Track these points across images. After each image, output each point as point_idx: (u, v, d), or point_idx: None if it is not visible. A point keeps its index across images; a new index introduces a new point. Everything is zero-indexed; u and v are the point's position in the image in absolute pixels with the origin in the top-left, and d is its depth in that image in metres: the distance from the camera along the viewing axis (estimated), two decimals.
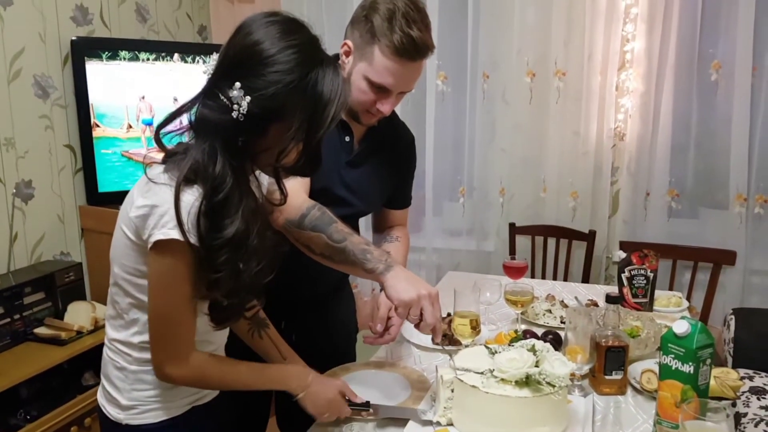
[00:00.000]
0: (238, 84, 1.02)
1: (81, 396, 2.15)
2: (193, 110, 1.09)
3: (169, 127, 1.11)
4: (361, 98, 1.49)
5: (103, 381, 1.23)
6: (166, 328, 1.10)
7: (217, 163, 1.05)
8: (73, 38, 2.47)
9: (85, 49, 2.48)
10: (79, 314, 2.29)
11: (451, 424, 1.29)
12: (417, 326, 1.34)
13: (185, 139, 1.12)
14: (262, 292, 1.20)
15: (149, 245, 1.05)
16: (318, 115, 1.07)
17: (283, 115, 1.05)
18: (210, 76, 1.08)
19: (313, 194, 1.53)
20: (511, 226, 3.05)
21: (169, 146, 1.12)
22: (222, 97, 1.04)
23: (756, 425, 1.97)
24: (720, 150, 2.85)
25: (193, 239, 1.03)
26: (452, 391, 1.29)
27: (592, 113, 2.92)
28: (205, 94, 1.08)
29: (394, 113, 1.72)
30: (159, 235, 1.03)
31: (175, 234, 1.02)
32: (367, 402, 1.35)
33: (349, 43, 1.49)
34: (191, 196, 1.04)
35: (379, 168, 1.67)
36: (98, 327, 2.28)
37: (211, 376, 1.18)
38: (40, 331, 2.21)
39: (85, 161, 2.53)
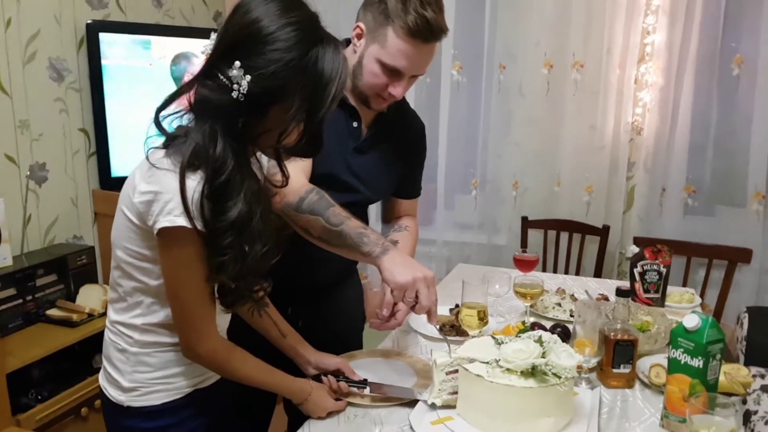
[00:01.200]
0: (237, 63, 1.01)
1: (91, 378, 2.16)
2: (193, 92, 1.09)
3: (170, 109, 1.10)
4: (372, 81, 1.48)
5: (105, 363, 1.23)
6: (187, 310, 1.11)
7: (217, 145, 1.04)
8: (89, 21, 2.48)
9: (100, 33, 2.49)
10: (90, 297, 2.31)
11: (449, 406, 1.31)
12: (413, 308, 1.35)
13: (185, 122, 1.11)
14: (269, 275, 1.20)
15: (155, 231, 1.05)
16: (319, 95, 1.06)
17: (283, 94, 1.04)
18: (208, 56, 1.07)
19: (319, 180, 1.52)
20: (524, 219, 3.03)
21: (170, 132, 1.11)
22: (221, 77, 1.03)
23: (766, 423, 1.94)
24: (739, 147, 2.81)
25: (199, 225, 1.03)
26: (446, 374, 1.32)
27: (610, 107, 2.89)
28: (204, 75, 1.06)
29: (404, 101, 1.71)
30: (165, 222, 1.03)
31: (181, 221, 1.02)
32: (365, 380, 1.37)
33: (362, 25, 1.48)
34: (194, 182, 1.03)
35: (387, 155, 1.65)
36: None
37: (234, 360, 1.20)
38: (52, 312, 2.23)
39: (98, 145, 2.55)
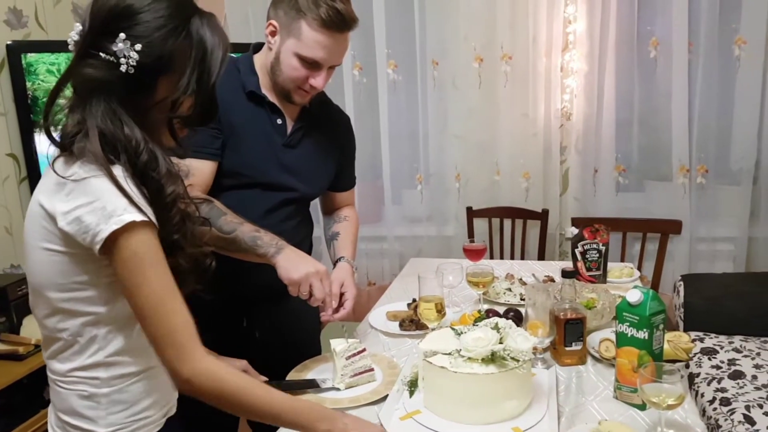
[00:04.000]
0: (122, 35, 0.98)
1: (44, 411, 2.10)
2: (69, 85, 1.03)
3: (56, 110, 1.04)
4: (293, 75, 1.51)
5: (67, 419, 1.08)
6: (161, 324, 0.99)
7: (123, 123, 0.99)
8: (9, 42, 2.39)
9: (21, 54, 2.40)
10: (35, 328, 2.22)
11: (352, 386, 1.43)
12: (308, 301, 1.44)
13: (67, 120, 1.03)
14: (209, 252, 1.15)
15: (98, 244, 0.96)
16: (207, 61, 1.05)
17: (171, 63, 1.02)
18: (82, 39, 1.01)
19: (252, 184, 1.56)
20: (469, 209, 3.11)
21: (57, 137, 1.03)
22: (104, 55, 0.99)
23: (708, 384, 2.07)
24: (662, 124, 2.98)
25: (148, 213, 0.98)
26: (345, 359, 1.43)
27: (539, 95, 3.00)
28: (81, 58, 1.00)
29: (326, 96, 1.75)
30: (112, 225, 0.95)
31: (129, 216, 0.95)
32: (267, 380, 1.36)
33: (274, 22, 1.51)
34: (120, 171, 0.98)
35: (317, 148, 1.68)
36: None
37: (229, 383, 1.04)
38: None
39: (30, 170, 2.46)
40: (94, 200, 0.96)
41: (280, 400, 1.09)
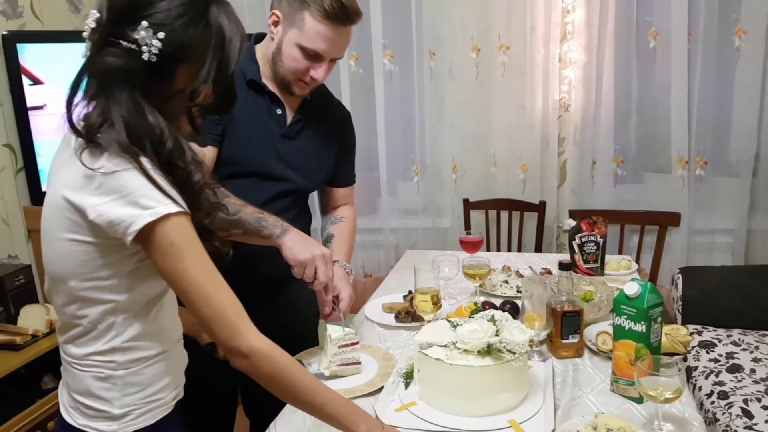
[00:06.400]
0: (145, 23, 0.97)
1: (41, 400, 2.11)
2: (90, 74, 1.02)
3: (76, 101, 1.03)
4: (293, 66, 1.51)
5: (82, 399, 1.11)
6: (209, 306, 1.02)
7: (146, 112, 0.99)
8: (4, 33, 2.37)
9: (17, 44, 2.38)
10: (32, 317, 2.23)
11: (336, 376, 1.44)
12: (311, 284, 1.45)
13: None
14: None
15: (131, 236, 0.97)
16: (226, 49, 1.05)
17: (192, 52, 1.02)
18: (98, 32, 1.00)
19: (250, 173, 1.56)
20: (465, 201, 3.10)
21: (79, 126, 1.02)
22: (125, 43, 0.98)
23: (706, 377, 2.07)
24: (660, 116, 2.96)
25: (179, 200, 0.99)
26: (338, 347, 1.44)
27: (537, 86, 2.98)
28: (102, 47, 0.99)
29: (327, 89, 1.74)
30: (146, 218, 0.96)
31: (163, 209, 0.96)
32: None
33: (278, 12, 1.51)
34: (148, 163, 0.98)
35: (316, 140, 1.68)
36: (53, 329, 2.21)
37: (285, 365, 1.08)
38: None
39: (26, 160, 2.45)
40: (126, 193, 0.96)
41: (325, 391, 1.12)
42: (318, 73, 1.52)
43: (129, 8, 0.99)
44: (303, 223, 1.75)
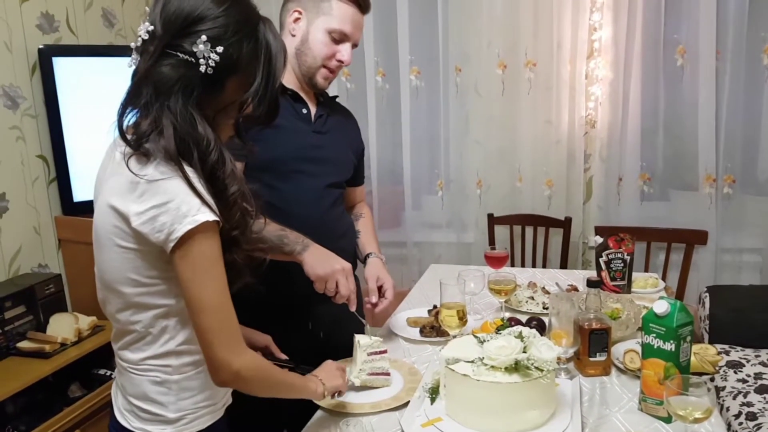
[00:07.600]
0: (204, 37, 1.02)
1: (68, 408, 2.12)
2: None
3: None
4: (323, 52, 1.62)
5: (138, 403, 1.13)
6: (218, 318, 1.04)
7: (197, 123, 1.03)
8: (41, 46, 2.43)
9: (53, 57, 2.44)
10: (61, 326, 2.27)
11: (368, 387, 1.45)
12: (333, 298, 1.48)
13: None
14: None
15: (172, 243, 0.99)
16: (273, 64, 1.10)
17: (242, 66, 1.06)
18: (154, 44, 1.03)
19: (292, 170, 1.62)
20: (489, 216, 3.09)
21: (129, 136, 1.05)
22: (182, 55, 1.02)
23: (734, 397, 2.04)
24: (688, 133, 2.94)
25: (216, 210, 1.02)
26: (368, 354, 1.45)
27: (563, 102, 2.98)
28: (158, 58, 1.03)
29: (330, 96, 1.83)
30: (186, 225, 0.98)
31: (203, 217, 0.99)
32: (288, 359, 1.44)
33: (299, 8, 1.62)
34: (193, 172, 1.01)
35: (341, 132, 1.77)
36: (82, 338, 2.26)
37: (271, 371, 1.17)
38: (23, 345, 2.18)
39: (59, 171, 2.50)
40: (168, 201, 0.99)
41: (292, 375, 1.27)
42: (344, 55, 1.63)
43: (186, 22, 1.03)
44: (349, 217, 1.85)
